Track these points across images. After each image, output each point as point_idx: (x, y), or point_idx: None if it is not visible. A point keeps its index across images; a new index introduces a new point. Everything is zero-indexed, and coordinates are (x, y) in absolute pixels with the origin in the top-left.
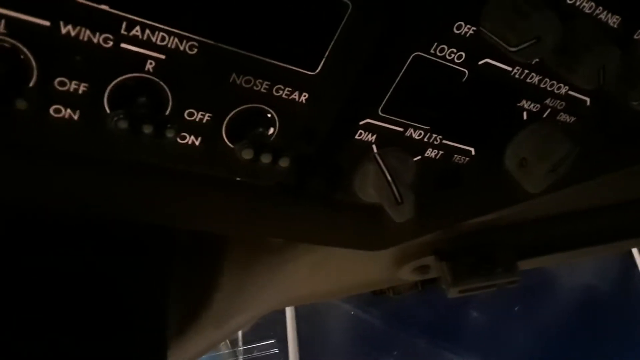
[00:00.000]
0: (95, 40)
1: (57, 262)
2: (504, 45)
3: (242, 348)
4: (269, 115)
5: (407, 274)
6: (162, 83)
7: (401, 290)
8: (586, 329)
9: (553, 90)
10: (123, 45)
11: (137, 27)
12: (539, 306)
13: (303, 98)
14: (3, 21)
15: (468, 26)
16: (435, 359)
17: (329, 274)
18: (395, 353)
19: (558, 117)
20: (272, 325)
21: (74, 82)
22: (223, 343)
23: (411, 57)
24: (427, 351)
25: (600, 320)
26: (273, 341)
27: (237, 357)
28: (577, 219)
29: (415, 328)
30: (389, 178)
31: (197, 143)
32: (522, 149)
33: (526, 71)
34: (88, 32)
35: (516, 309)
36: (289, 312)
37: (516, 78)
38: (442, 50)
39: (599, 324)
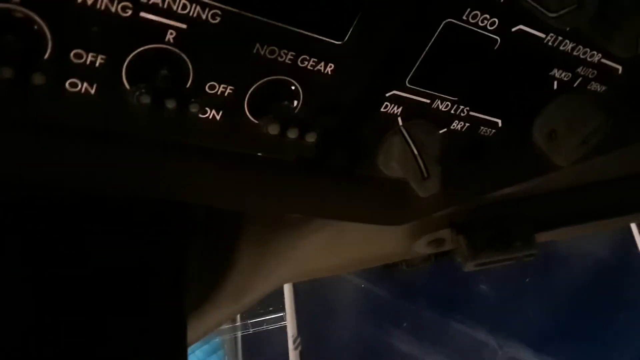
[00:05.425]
0: (112, 9)
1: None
2: (542, 10)
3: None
4: (293, 87)
5: (422, 247)
6: (183, 55)
7: (414, 263)
8: (593, 300)
9: (586, 58)
10: (142, 14)
11: None
12: (549, 278)
13: (329, 69)
14: None
15: None
16: (445, 330)
17: (343, 248)
18: (404, 325)
19: (589, 87)
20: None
21: (91, 54)
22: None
23: (443, 24)
24: (436, 322)
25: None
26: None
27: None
28: (595, 191)
29: (424, 300)
30: (415, 152)
31: (217, 118)
32: (552, 121)
33: (560, 38)
34: (105, 0)
35: (527, 280)
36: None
37: (549, 46)
38: (475, 16)
39: (604, 295)
